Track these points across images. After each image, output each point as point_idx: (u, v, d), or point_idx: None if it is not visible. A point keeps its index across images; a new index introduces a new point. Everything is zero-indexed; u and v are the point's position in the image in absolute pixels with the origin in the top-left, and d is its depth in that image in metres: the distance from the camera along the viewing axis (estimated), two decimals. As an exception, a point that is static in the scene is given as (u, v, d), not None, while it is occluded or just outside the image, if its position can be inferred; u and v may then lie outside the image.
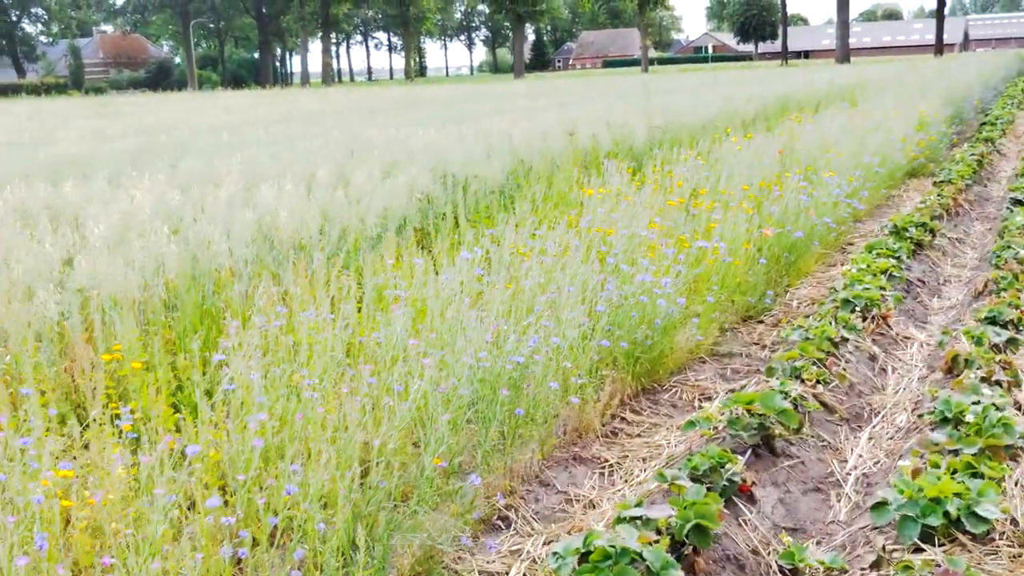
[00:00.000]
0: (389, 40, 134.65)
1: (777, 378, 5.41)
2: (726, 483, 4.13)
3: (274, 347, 4.64)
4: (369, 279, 5.72)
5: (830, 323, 6.16)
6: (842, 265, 8.86)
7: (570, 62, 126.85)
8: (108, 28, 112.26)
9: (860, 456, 5.07)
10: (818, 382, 5.46)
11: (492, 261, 5.96)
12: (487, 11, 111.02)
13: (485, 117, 15.61)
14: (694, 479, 4.10)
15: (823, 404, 5.32)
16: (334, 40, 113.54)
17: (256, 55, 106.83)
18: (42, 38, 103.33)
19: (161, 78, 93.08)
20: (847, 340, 6.11)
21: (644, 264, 6.21)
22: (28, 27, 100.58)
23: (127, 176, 8.47)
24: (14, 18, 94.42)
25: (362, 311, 5.36)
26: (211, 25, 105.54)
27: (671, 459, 5.12)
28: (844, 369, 5.78)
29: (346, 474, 3.62)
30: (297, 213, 6.89)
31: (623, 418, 5.84)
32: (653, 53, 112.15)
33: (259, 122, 17.24)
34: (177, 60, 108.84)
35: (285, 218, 6.72)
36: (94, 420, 3.99)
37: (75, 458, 4.04)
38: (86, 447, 3.93)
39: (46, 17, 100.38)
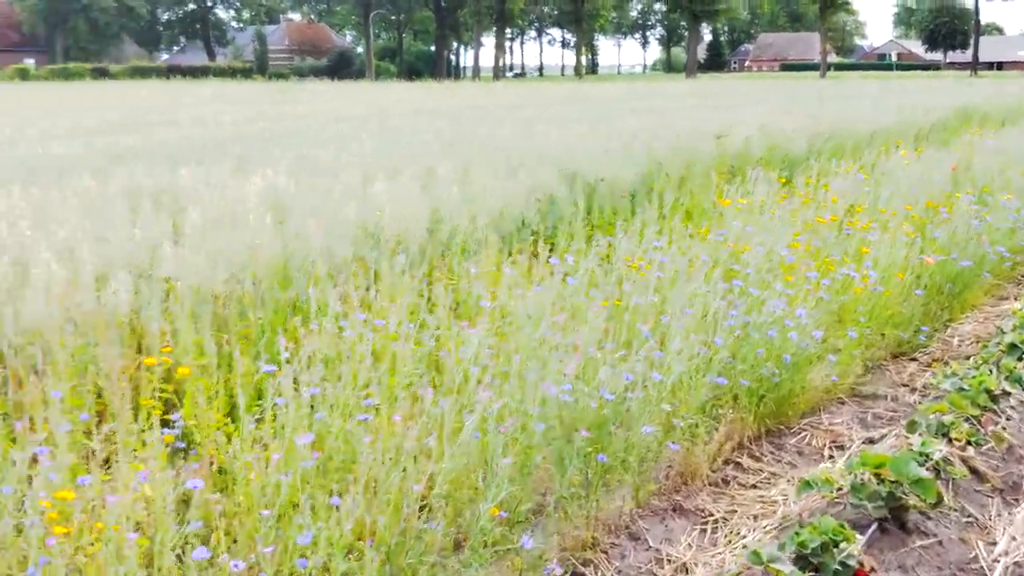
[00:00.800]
0: (563, 36, 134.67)
1: (919, 434, 4.61)
2: (838, 567, 3.42)
3: (347, 356, 4.19)
4: (464, 285, 5.22)
5: (990, 371, 5.27)
6: (1015, 300, 7.81)
7: (746, 64, 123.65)
8: (295, 16, 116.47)
9: (1013, 539, 4.22)
10: (969, 443, 4.61)
11: (599, 273, 5.37)
12: (663, 9, 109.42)
13: (639, 116, 14.93)
14: (799, 560, 3.41)
15: (972, 470, 4.49)
16: (508, 35, 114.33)
17: (432, 48, 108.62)
18: (233, 23, 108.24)
19: (341, 67, 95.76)
20: (1009, 394, 5.21)
21: (778, 288, 5.48)
22: (221, 13, 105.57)
23: (254, 163, 8.27)
24: (209, 3, 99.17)
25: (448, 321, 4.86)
26: (392, 17, 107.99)
27: (785, 520, 4.41)
28: (1003, 428, 4.90)
29: (379, 519, 3.12)
30: (407, 209, 6.47)
31: (738, 464, 5.14)
32: (834, 58, 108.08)
33: (411, 113, 17.08)
34: (359, 50, 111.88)
35: (392, 214, 6.31)
36: (135, 428, 3.64)
37: (108, 464, 3.71)
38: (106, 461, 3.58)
39: (238, 3, 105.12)
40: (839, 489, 4.20)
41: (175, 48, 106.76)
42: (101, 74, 69.69)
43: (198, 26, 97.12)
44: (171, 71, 72.80)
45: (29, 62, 75.18)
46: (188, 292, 4.96)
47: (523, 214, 7.09)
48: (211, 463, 3.84)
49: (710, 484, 4.88)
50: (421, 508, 3.32)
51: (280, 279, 5.17)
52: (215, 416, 4.03)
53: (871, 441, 5.52)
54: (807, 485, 4.10)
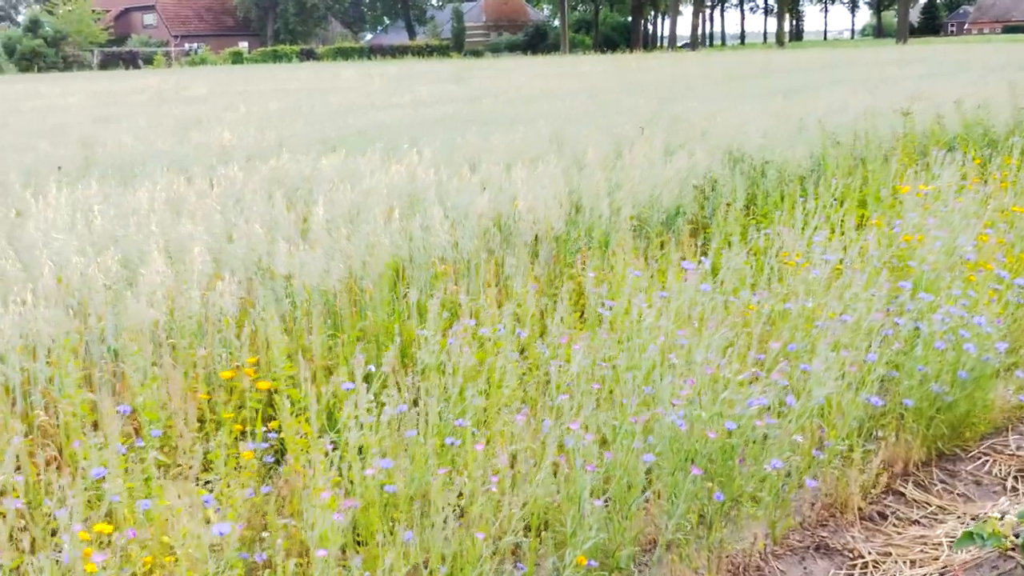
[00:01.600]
0: (765, 3, 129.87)
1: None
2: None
3: (453, 369, 3.86)
4: (592, 288, 4.78)
5: None
6: None
7: (965, 27, 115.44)
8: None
9: None
10: None
11: (748, 271, 4.81)
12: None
13: (828, 88, 13.88)
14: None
15: None
16: (708, 3, 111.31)
17: (629, 19, 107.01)
18: (433, 2, 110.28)
19: (537, 41, 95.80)
20: None
21: (955, 292, 4.76)
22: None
23: (401, 150, 8.07)
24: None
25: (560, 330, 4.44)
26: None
27: (947, 569, 3.77)
28: None
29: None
30: (547, 200, 6.06)
31: (901, 494, 4.49)
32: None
33: (583, 92, 16.60)
34: (556, 23, 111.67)
35: (528, 205, 5.92)
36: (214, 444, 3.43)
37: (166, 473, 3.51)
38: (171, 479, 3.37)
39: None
40: (1012, 540, 3.53)
41: (379, 28, 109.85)
42: (308, 55, 72.48)
43: (399, 6, 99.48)
44: (373, 51, 74.86)
45: (243, 45, 79.21)
46: (300, 290, 4.76)
47: (679, 202, 6.55)
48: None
49: (864, 518, 4.26)
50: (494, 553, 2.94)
51: (390, 278, 4.89)
52: (305, 430, 3.78)
53: (1067, 472, 4.73)
54: (968, 538, 3.45)
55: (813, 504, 4.24)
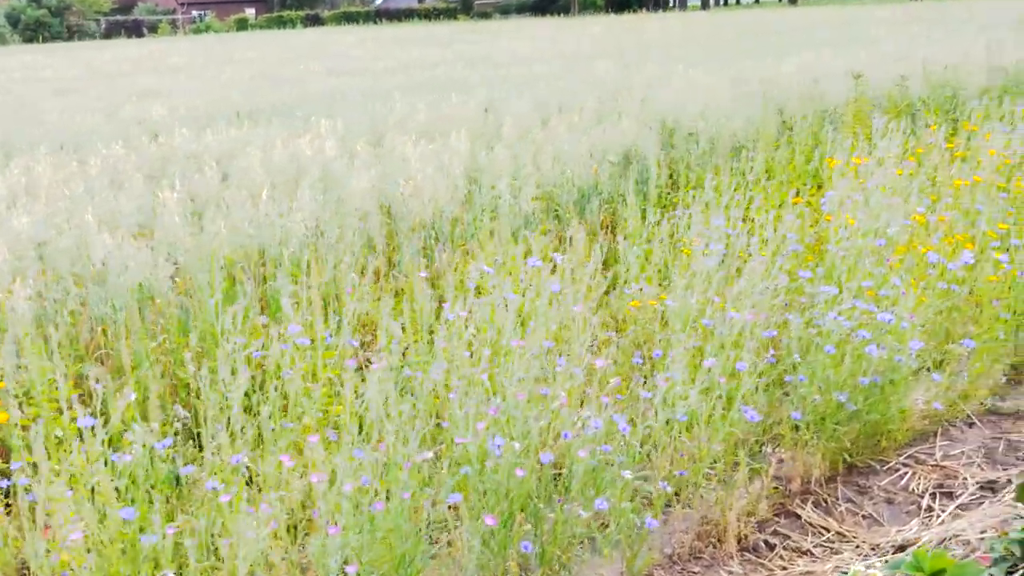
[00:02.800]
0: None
1: (1031, 507, 3.25)
2: None
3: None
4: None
5: None
6: None
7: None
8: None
9: None
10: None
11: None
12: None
13: (812, 50, 13.15)
14: None
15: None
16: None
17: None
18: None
19: (548, 3, 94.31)
20: None
21: (865, 284, 4.18)
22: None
23: (317, 121, 7.52)
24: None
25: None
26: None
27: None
28: None
29: None
30: (447, 179, 5.51)
31: (796, 516, 3.94)
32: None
33: (560, 56, 15.94)
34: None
35: (417, 185, 5.36)
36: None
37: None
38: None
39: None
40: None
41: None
42: (313, 21, 71.60)
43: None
44: (379, 15, 73.92)
45: (250, 12, 78.31)
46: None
47: (594, 180, 5.96)
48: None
49: (746, 548, 3.72)
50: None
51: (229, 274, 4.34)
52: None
53: (992, 488, 4.15)
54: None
55: (688, 531, 3.71)
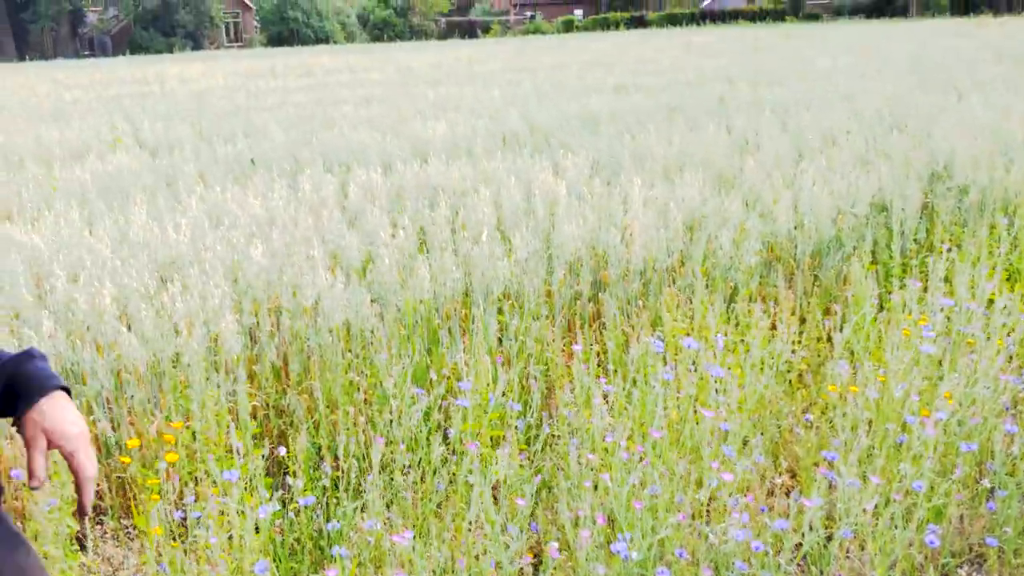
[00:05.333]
0: None
1: None
2: None
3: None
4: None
5: None
6: None
7: None
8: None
9: None
10: None
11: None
12: None
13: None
14: None
15: None
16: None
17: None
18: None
19: (884, 2, 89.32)
20: None
21: None
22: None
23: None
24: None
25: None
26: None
27: None
28: None
29: None
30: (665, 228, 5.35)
31: None
32: None
33: (876, 74, 14.92)
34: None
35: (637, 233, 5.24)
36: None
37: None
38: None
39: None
40: None
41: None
42: (637, 22, 72.19)
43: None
44: (704, 16, 73.33)
45: (578, 12, 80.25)
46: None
47: (836, 231, 5.55)
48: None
49: None
50: None
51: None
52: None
53: None
54: None
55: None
